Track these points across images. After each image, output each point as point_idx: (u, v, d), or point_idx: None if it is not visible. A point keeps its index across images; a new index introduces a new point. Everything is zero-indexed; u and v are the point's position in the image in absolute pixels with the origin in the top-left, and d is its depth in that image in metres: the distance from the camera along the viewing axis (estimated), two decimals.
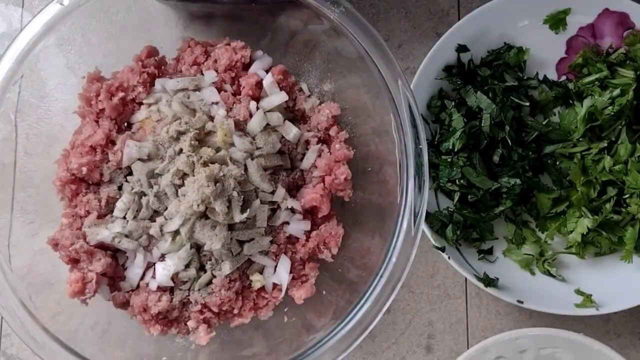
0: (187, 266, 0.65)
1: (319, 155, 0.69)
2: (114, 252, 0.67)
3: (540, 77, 0.77)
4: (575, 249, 0.73)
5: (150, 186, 0.65)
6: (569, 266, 0.75)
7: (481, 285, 0.71)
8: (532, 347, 0.70)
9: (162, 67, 0.71)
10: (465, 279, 0.76)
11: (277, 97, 0.68)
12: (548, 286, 0.73)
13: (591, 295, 0.72)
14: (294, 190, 0.69)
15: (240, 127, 0.67)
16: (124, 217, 0.65)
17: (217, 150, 0.65)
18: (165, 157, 0.65)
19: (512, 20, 0.76)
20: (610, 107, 0.73)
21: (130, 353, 0.68)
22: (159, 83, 0.68)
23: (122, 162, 0.66)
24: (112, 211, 0.66)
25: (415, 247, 0.62)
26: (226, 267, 0.65)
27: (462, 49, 0.75)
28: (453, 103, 0.74)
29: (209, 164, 0.63)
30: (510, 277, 0.73)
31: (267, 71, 0.69)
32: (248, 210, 0.63)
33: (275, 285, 0.68)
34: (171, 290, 0.67)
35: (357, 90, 0.69)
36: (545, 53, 0.77)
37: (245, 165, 0.65)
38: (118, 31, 0.70)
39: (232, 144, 0.65)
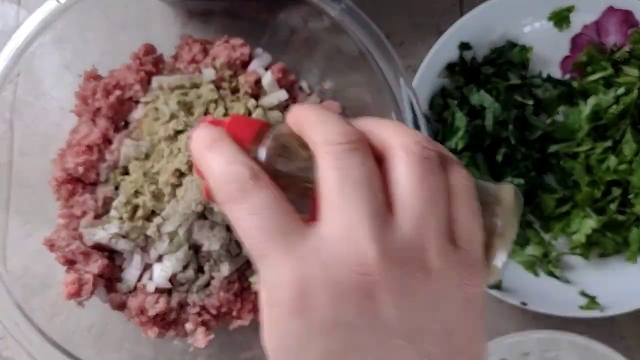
0: (185, 267, 0.65)
1: None
2: (110, 253, 0.66)
3: (544, 75, 0.76)
4: (579, 249, 0.72)
5: (148, 186, 0.64)
6: (574, 267, 0.74)
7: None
8: (536, 350, 0.69)
9: (160, 65, 0.70)
10: None
11: (277, 95, 0.67)
12: (552, 288, 0.73)
13: (596, 297, 0.71)
14: None
15: None
16: (121, 218, 0.65)
17: None
18: (163, 156, 0.64)
19: (515, 18, 0.76)
20: (614, 106, 0.72)
21: (127, 355, 0.68)
22: (155, 81, 0.68)
23: (119, 162, 0.66)
24: (108, 211, 0.66)
25: None
26: (225, 269, 0.64)
27: (464, 46, 0.74)
28: (455, 101, 0.73)
29: None
30: (513, 278, 0.72)
31: (266, 69, 0.69)
32: None
33: None
34: (169, 292, 0.66)
35: (358, 89, 0.69)
36: (549, 51, 0.76)
37: None
38: (115, 29, 0.70)
39: None
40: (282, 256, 0.31)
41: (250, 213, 0.31)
